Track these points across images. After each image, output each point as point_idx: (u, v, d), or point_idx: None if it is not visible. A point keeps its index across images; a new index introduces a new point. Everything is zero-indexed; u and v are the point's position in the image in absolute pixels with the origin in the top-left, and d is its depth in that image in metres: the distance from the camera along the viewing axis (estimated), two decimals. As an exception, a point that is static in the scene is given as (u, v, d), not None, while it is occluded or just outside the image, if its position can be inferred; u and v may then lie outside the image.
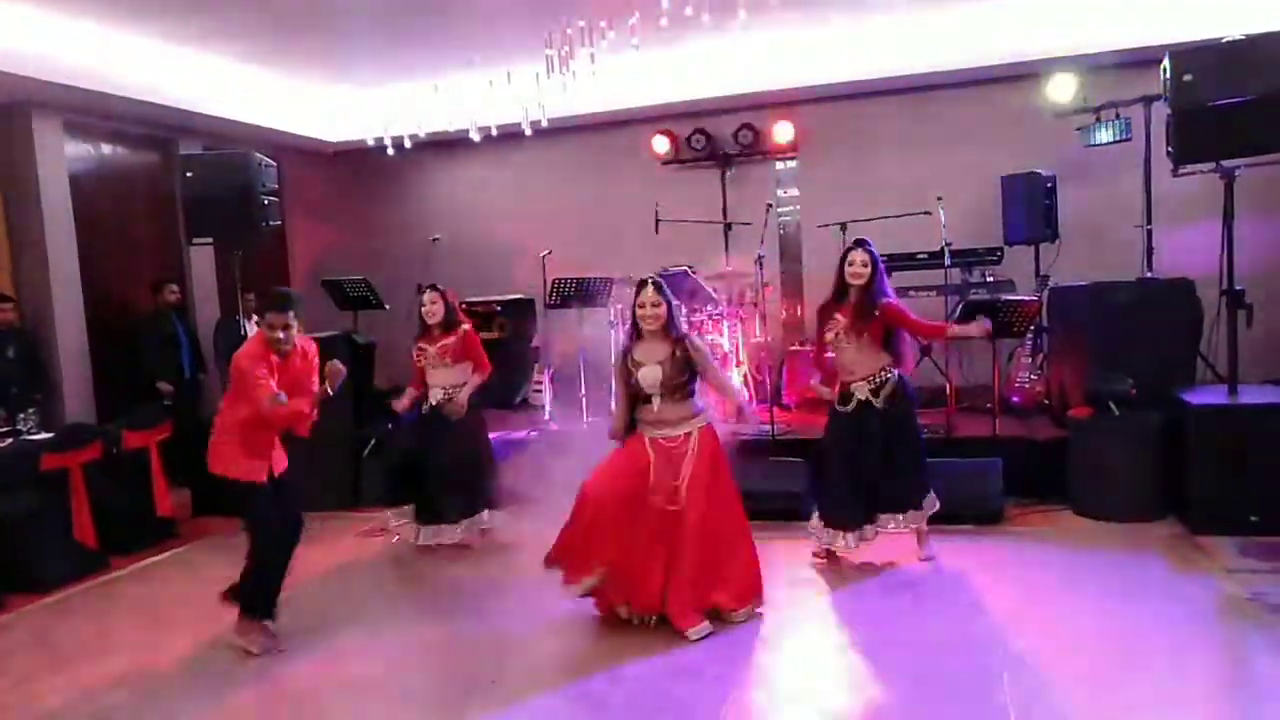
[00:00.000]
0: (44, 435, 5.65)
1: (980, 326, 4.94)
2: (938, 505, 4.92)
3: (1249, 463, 5.00)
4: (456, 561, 5.38)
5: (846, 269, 4.71)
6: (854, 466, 4.77)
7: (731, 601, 4.18)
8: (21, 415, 5.80)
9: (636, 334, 4.22)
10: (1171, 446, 5.38)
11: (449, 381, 5.49)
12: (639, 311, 4.17)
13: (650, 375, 4.09)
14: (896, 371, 4.74)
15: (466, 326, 5.60)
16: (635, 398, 4.18)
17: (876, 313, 4.64)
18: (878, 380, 4.71)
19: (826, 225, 7.50)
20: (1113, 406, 5.57)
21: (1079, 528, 5.42)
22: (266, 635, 4.21)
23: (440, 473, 5.41)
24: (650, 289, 4.17)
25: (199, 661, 4.17)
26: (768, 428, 6.48)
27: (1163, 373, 5.67)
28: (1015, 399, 6.87)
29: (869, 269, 4.67)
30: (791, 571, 4.89)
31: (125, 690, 3.92)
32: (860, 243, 4.79)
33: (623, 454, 4.21)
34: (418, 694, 3.75)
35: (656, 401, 4.12)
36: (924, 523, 4.90)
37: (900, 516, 4.84)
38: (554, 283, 7.58)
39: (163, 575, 5.62)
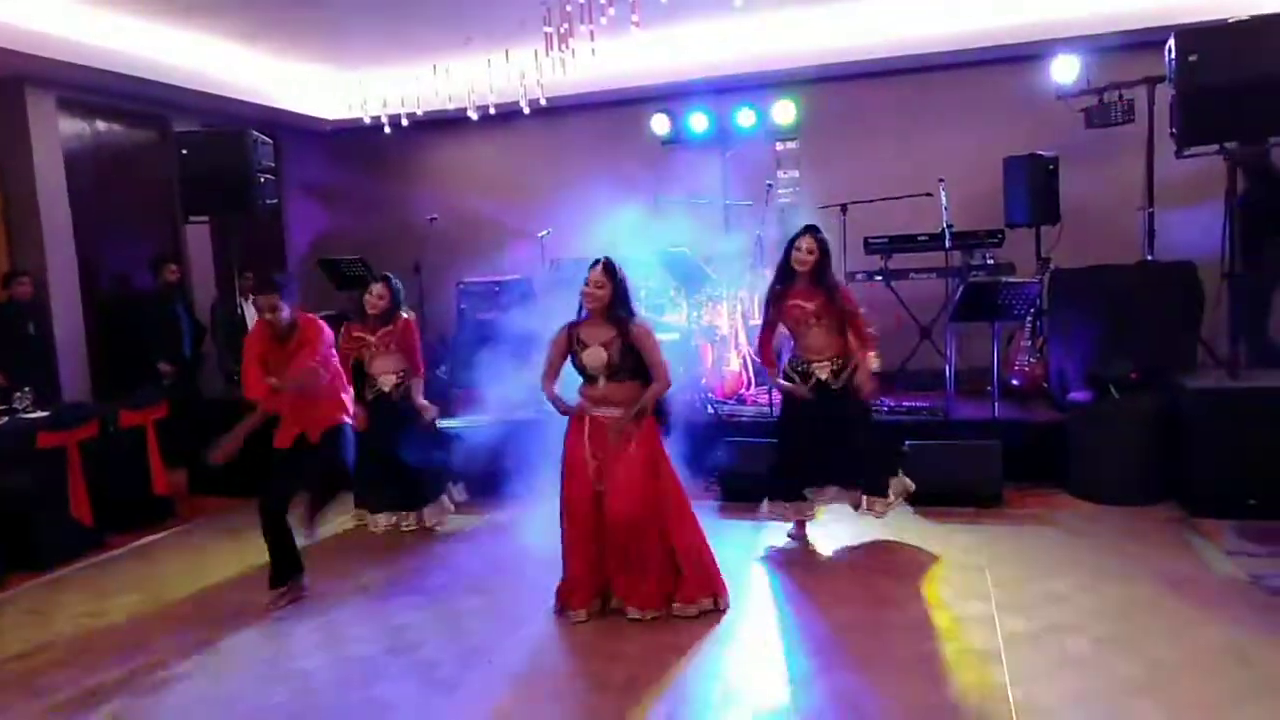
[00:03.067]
0: (40, 414, 5.62)
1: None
2: (909, 487, 4.97)
3: (1248, 446, 4.99)
4: (450, 540, 5.38)
5: (793, 254, 4.76)
6: (801, 439, 4.88)
7: (679, 597, 4.09)
8: (18, 394, 5.78)
9: (585, 312, 4.16)
10: (1170, 430, 5.38)
11: (394, 368, 5.45)
12: (584, 289, 4.08)
13: (594, 357, 4.05)
14: (853, 356, 4.80)
15: (407, 317, 5.53)
16: (581, 374, 4.14)
17: (837, 295, 4.72)
18: (838, 363, 4.78)
19: (827, 206, 7.46)
20: (1112, 389, 5.56)
21: (1077, 511, 5.41)
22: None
23: (395, 458, 5.33)
24: (598, 269, 4.07)
25: (195, 640, 4.16)
26: (766, 409, 6.50)
27: (1163, 356, 5.66)
28: (1015, 381, 6.86)
29: (814, 255, 4.72)
30: (777, 553, 4.93)
31: (121, 668, 3.92)
32: (810, 229, 4.82)
33: (569, 450, 4.17)
34: (415, 670, 3.75)
35: (602, 381, 4.08)
36: (887, 506, 4.91)
37: (857, 494, 4.87)
38: (552, 263, 7.54)
39: (160, 553, 5.61)
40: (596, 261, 4.11)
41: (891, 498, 4.90)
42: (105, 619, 4.51)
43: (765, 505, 5.05)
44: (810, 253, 4.71)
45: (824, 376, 4.80)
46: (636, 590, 4.06)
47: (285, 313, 4.38)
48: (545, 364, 4.20)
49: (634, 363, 4.07)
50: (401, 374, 5.47)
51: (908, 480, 5.00)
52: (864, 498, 4.89)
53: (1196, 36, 5.16)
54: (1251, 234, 5.70)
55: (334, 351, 4.65)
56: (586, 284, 4.08)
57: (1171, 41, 5.23)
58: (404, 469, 5.37)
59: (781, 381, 4.94)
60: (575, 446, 4.15)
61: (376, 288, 5.48)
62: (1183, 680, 3.33)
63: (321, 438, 4.49)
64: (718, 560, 4.25)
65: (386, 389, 5.43)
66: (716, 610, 4.11)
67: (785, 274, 4.82)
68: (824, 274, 4.75)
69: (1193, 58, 5.09)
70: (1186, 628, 3.75)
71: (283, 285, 4.38)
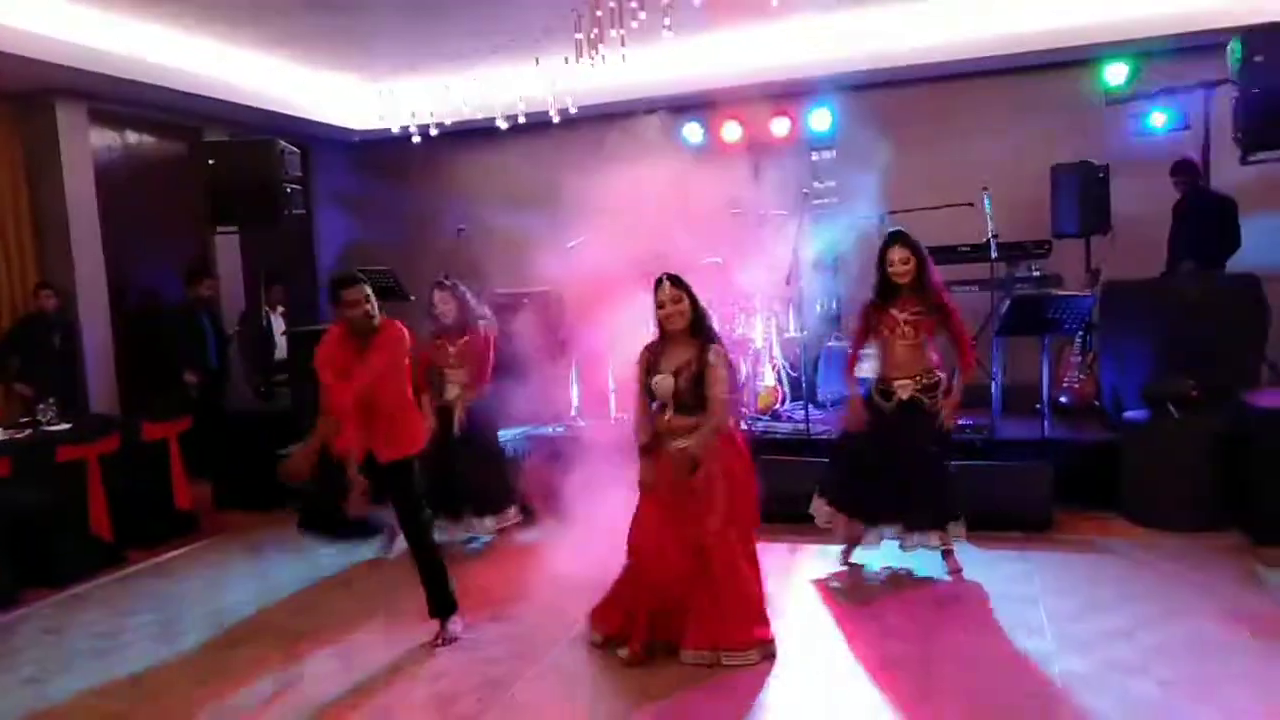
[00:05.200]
0: (62, 426, 5.54)
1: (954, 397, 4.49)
2: (962, 534, 4.64)
3: (1319, 471, 4.68)
4: (476, 563, 5.20)
5: (888, 269, 4.45)
6: (879, 458, 4.52)
7: (727, 641, 3.68)
8: (41, 405, 5.71)
9: (662, 334, 3.83)
10: (1234, 452, 5.06)
11: (463, 380, 5.33)
12: (658, 312, 3.74)
13: (662, 386, 3.73)
14: (941, 374, 4.48)
15: (484, 332, 5.38)
16: (650, 399, 3.81)
17: (939, 306, 4.38)
18: (925, 380, 4.45)
19: (865, 217, 7.22)
20: (1171, 408, 5.26)
21: (1133, 537, 5.11)
22: None
23: (458, 473, 5.22)
24: (668, 285, 3.73)
25: (215, 661, 4.03)
26: (803, 426, 6.27)
27: (1225, 373, 5.35)
28: (1063, 399, 6.56)
29: (911, 264, 4.40)
30: (821, 579, 4.69)
31: (137, 689, 3.79)
32: (896, 236, 4.50)
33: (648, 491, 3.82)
34: (434, 704, 3.57)
35: (669, 412, 3.76)
36: (952, 539, 4.61)
37: (916, 535, 4.53)
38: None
39: (181, 569, 5.49)
40: (661, 278, 3.74)
41: (938, 541, 4.55)
42: (121, 639, 4.37)
43: (815, 503, 4.76)
44: (905, 262, 4.39)
45: (906, 396, 4.46)
46: (689, 630, 3.72)
47: (373, 309, 3.94)
48: (635, 401, 3.87)
49: (701, 391, 3.70)
50: (464, 386, 5.34)
51: (962, 527, 4.65)
52: (914, 535, 4.54)
53: (1263, 36, 4.88)
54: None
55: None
56: (661, 304, 3.73)
57: (1235, 42, 4.96)
58: (462, 482, 5.22)
59: (852, 401, 4.62)
60: (647, 475, 3.81)
61: (437, 294, 5.36)
62: (1264, 731, 3.05)
63: (391, 467, 4.03)
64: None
65: (452, 398, 5.29)
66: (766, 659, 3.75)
67: (885, 289, 4.49)
68: (925, 281, 4.41)
69: (1258, 59, 4.82)
70: (1266, 672, 3.46)
71: (364, 279, 3.97)
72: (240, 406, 7.79)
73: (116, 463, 5.55)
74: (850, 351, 4.76)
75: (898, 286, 4.45)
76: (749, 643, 3.70)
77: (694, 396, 3.71)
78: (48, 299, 6.81)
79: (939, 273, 4.55)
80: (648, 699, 3.46)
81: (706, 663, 3.64)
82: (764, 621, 3.82)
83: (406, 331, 4.08)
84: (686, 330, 3.75)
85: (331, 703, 3.60)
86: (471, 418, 5.32)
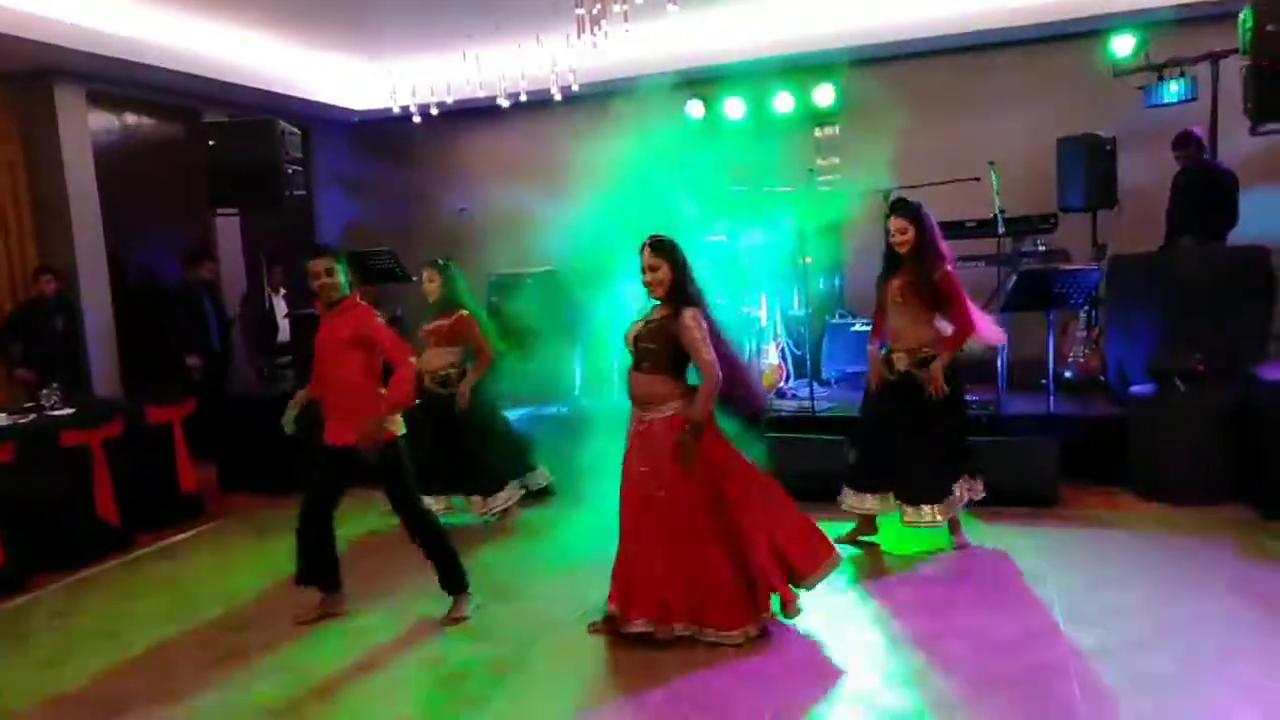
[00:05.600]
0: (66, 411, 5.53)
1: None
2: (981, 493, 4.63)
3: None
4: (483, 542, 5.21)
5: (888, 239, 4.44)
6: (880, 430, 4.57)
7: (713, 623, 3.68)
8: (44, 390, 5.70)
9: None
10: (1242, 426, 5.04)
11: (441, 363, 5.26)
12: (642, 277, 3.71)
13: (630, 328, 3.76)
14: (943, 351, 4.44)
15: (464, 313, 5.29)
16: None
17: (936, 277, 4.33)
18: (921, 355, 4.43)
19: (870, 192, 7.16)
20: (1178, 382, 5.24)
21: (1140, 512, 5.11)
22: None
23: (459, 452, 5.22)
24: (647, 251, 3.67)
25: (222, 643, 4.04)
26: (807, 403, 6.26)
27: (1232, 347, 5.31)
28: (1068, 374, 6.53)
29: (910, 233, 4.36)
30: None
31: (145, 673, 3.80)
32: (894, 205, 4.48)
33: (627, 449, 3.85)
34: (443, 683, 3.58)
35: (630, 369, 3.77)
36: (955, 511, 4.61)
37: (919, 509, 4.52)
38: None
39: (188, 553, 5.51)
40: (643, 245, 3.69)
41: (937, 511, 4.52)
42: (131, 622, 4.39)
43: (845, 493, 4.77)
44: (903, 231, 4.36)
45: (903, 368, 4.46)
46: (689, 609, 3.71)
47: (336, 283, 3.96)
48: None
49: (667, 353, 3.67)
50: (450, 370, 5.28)
51: (977, 484, 4.64)
52: (907, 508, 4.54)
53: (1275, 6, 4.80)
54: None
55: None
56: (642, 270, 3.71)
57: (1246, 12, 4.89)
58: (455, 457, 5.21)
59: (871, 349, 4.64)
60: (629, 445, 3.83)
61: (425, 273, 5.34)
62: (1272, 706, 3.04)
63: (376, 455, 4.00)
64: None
65: (429, 385, 5.22)
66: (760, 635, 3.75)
67: (889, 259, 4.50)
68: (923, 251, 4.35)
69: (1270, 28, 4.74)
70: (1275, 646, 3.45)
71: (330, 252, 4.01)
72: (243, 389, 7.79)
73: (121, 447, 5.54)
74: (876, 316, 4.75)
75: (899, 256, 4.43)
76: (729, 624, 3.67)
77: (654, 354, 3.67)
78: (48, 284, 6.77)
79: (946, 246, 4.49)
80: (658, 679, 3.47)
81: (689, 635, 3.69)
82: (746, 605, 3.72)
83: (373, 317, 4.04)
84: (666, 297, 3.70)
85: (341, 682, 3.61)
86: (472, 397, 5.29)
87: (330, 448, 4.04)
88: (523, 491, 5.59)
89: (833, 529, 4.91)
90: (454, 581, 4.16)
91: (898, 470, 4.55)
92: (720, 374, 3.62)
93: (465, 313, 5.30)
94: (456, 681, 3.58)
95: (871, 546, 4.79)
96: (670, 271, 3.66)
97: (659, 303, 3.73)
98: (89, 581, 5.03)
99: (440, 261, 5.42)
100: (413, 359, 4.12)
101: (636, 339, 3.72)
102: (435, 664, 3.74)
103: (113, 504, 5.41)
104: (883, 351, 4.58)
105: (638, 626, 3.69)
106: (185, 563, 5.30)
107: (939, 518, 4.53)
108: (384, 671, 3.70)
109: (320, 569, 4.21)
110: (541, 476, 5.80)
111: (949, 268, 4.38)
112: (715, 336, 3.70)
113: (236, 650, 3.96)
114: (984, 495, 4.69)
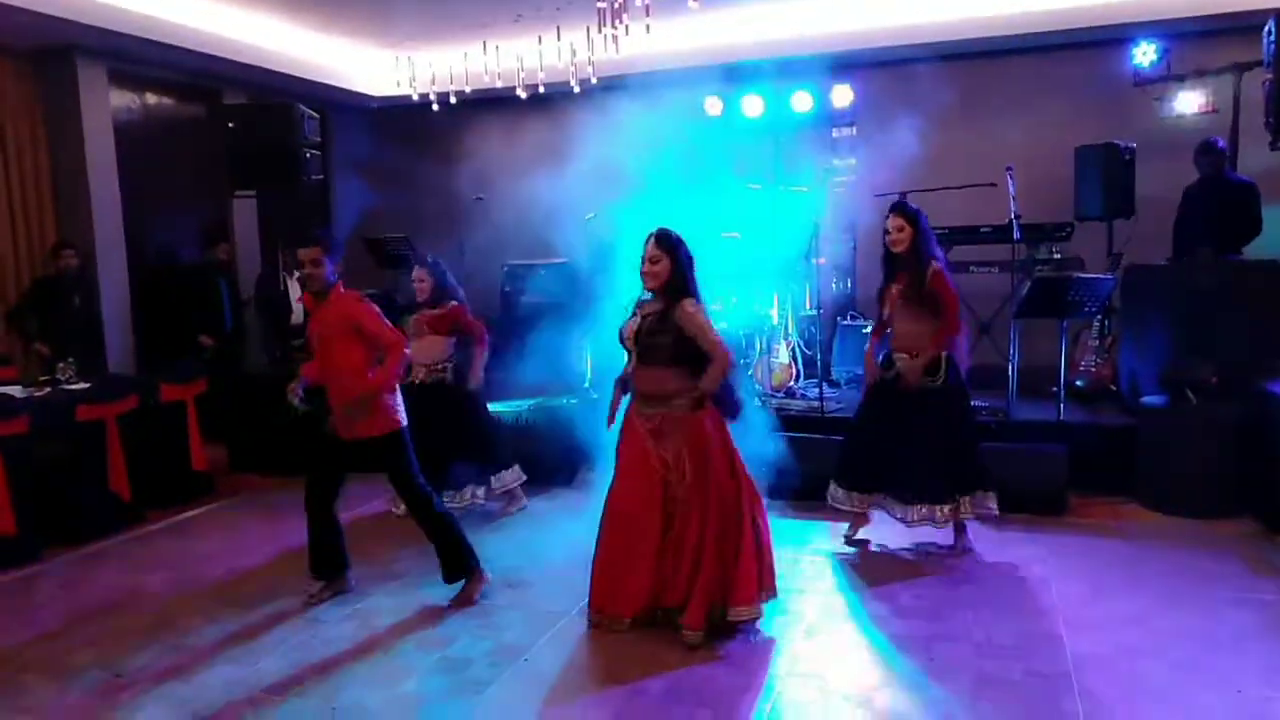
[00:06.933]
0: (81, 385, 5.59)
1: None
2: (993, 510, 4.58)
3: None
4: (489, 530, 5.24)
5: (886, 238, 4.46)
6: (874, 431, 4.57)
7: (737, 603, 3.70)
8: (60, 365, 5.76)
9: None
10: (1252, 440, 5.03)
11: (430, 357, 5.27)
12: (641, 269, 3.72)
13: (627, 325, 3.75)
14: (943, 351, 4.44)
15: (455, 303, 5.31)
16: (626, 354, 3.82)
17: (928, 274, 4.33)
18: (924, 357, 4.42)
19: (885, 195, 7.14)
20: (1189, 394, 5.23)
21: (1147, 522, 5.11)
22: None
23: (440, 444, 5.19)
24: (651, 242, 3.68)
25: (226, 623, 4.08)
26: (816, 403, 6.27)
27: (1248, 362, 5.29)
28: (1079, 383, 6.52)
29: (906, 232, 4.37)
30: (832, 558, 4.70)
31: (152, 647, 3.84)
32: (893, 206, 4.50)
33: (623, 445, 3.84)
34: (445, 667, 3.61)
35: (632, 362, 3.76)
36: (956, 517, 4.58)
37: (914, 508, 4.50)
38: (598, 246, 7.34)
39: (197, 529, 5.57)
40: (649, 235, 3.71)
41: (941, 517, 4.51)
42: (138, 596, 4.44)
43: (832, 488, 4.77)
44: (900, 230, 4.38)
45: (903, 370, 4.46)
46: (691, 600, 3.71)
47: (322, 273, 4.00)
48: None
49: (671, 346, 3.65)
50: (441, 364, 5.31)
51: (989, 501, 4.58)
52: (913, 509, 4.52)
53: (1301, 18, 4.79)
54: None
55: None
56: (642, 260, 3.72)
57: (1271, 23, 4.87)
58: (445, 451, 5.22)
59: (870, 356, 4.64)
60: (632, 440, 3.81)
61: (416, 271, 5.35)
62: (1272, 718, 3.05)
63: (370, 444, 4.07)
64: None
65: (418, 378, 5.22)
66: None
67: (886, 260, 4.52)
68: (917, 251, 4.37)
69: (1295, 41, 4.73)
70: (1274, 659, 3.45)
71: (321, 240, 4.04)
72: (256, 370, 7.83)
73: (134, 423, 5.60)
74: (876, 324, 4.77)
75: (896, 257, 4.45)
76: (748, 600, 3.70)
77: (658, 347, 3.67)
78: (70, 258, 6.81)
79: (939, 249, 4.51)
80: (660, 668, 3.49)
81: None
82: (736, 601, 3.72)
83: (357, 305, 4.04)
84: (663, 290, 3.70)
85: (346, 665, 3.65)
86: (458, 386, 5.31)
87: (336, 438, 4.09)
88: (524, 477, 5.62)
89: (832, 530, 4.97)
90: (455, 572, 4.19)
91: (897, 471, 4.55)
92: (730, 352, 3.65)
93: (455, 302, 5.33)
94: (460, 666, 3.60)
95: (874, 548, 4.80)
96: (670, 266, 3.68)
97: (650, 296, 3.76)
98: (99, 554, 5.09)
99: (430, 259, 5.43)
100: (406, 351, 4.14)
101: (638, 335, 3.72)
102: (441, 647, 3.77)
103: (125, 479, 5.47)
104: (882, 355, 4.60)
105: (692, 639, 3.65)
106: (195, 540, 5.35)
107: (938, 519, 4.53)
108: (387, 654, 3.74)
109: (330, 559, 4.27)
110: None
111: (939, 266, 4.40)
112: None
113: (244, 627, 4.01)
114: (996, 513, 4.60)
